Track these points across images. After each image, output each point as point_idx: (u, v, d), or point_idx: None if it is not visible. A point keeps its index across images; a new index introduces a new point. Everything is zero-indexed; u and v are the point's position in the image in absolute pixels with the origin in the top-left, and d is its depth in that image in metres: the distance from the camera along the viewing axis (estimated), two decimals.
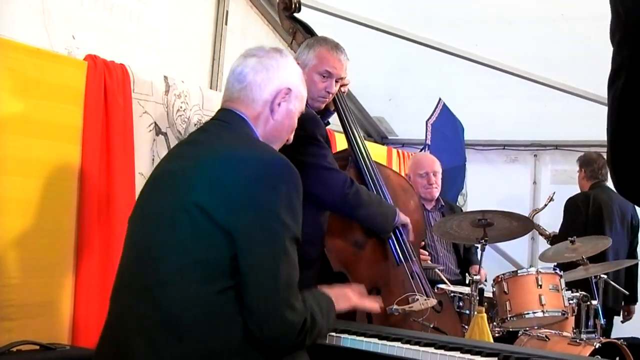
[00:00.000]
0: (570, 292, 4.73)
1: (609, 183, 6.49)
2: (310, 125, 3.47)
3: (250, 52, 2.47)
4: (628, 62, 1.50)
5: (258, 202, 2.12)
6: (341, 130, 4.02)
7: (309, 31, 4.04)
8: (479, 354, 2.59)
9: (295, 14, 4.09)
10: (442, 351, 2.64)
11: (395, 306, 3.60)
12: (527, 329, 4.69)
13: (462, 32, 6.53)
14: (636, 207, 6.33)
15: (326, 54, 3.75)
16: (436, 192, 5.66)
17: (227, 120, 2.40)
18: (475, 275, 4.31)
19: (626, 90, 1.49)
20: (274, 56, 2.46)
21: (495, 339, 4.41)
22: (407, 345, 2.72)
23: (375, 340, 2.79)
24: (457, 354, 2.61)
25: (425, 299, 3.73)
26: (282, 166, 2.21)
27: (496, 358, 2.56)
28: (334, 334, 2.84)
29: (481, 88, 7.10)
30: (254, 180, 2.13)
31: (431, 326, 3.62)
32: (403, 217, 3.79)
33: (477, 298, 3.94)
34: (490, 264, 6.41)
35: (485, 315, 3.58)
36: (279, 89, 2.43)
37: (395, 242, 3.82)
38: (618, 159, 1.53)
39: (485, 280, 5.30)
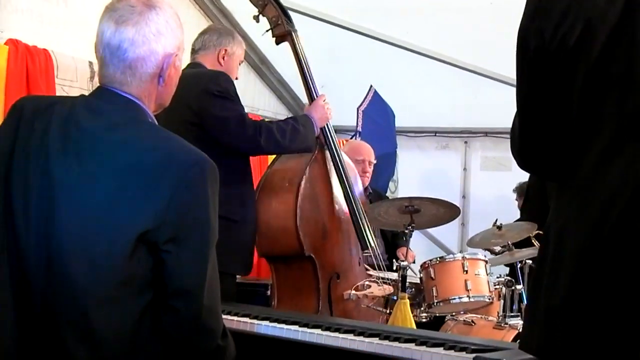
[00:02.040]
0: (495, 277, 4.82)
1: None
2: (226, 83, 3.69)
3: (120, 17, 2.09)
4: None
5: (188, 210, 2.01)
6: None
7: (280, 6, 4.04)
8: (397, 340, 2.63)
9: None
10: (361, 338, 2.67)
11: (352, 291, 3.65)
12: (454, 313, 4.76)
13: (394, 20, 6.57)
14: None
15: (242, 45, 4.06)
16: (367, 181, 5.74)
17: (120, 108, 2.13)
18: (403, 260, 4.36)
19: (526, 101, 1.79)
20: (150, 19, 2.12)
21: (423, 324, 4.48)
22: (327, 332, 2.75)
23: (296, 327, 2.81)
24: (376, 340, 2.65)
25: (380, 287, 3.80)
26: (207, 166, 2.07)
27: (414, 344, 2.59)
28: (255, 321, 2.85)
29: (412, 75, 7.15)
30: (182, 188, 2.00)
31: (387, 312, 3.68)
32: (319, 120, 3.98)
33: (400, 285, 3.98)
34: (421, 249, 6.48)
35: (407, 301, 3.64)
36: (165, 56, 2.16)
37: (362, 226, 3.97)
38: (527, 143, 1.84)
39: (414, 262, 5.36)
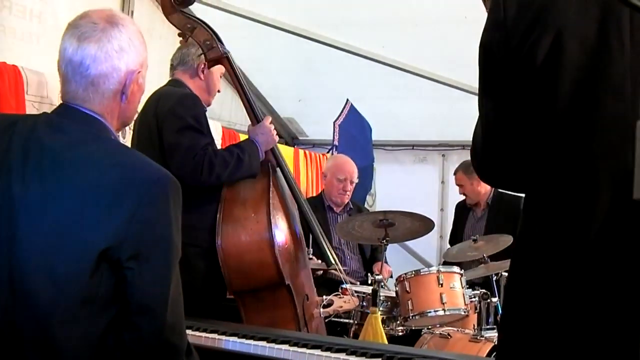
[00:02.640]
0: (471, 290, 4.82)
1: None
2: (193, 108, 3.61)
3: (82, 34, 2.10)
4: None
5: (150, 227, 2.00)
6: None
7: (211, 29, 3.79)
8: (364, 355, 2.62)
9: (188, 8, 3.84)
10: (328, 353, 2.67)
11: (322, 309, 3.63)
12: (430, 327, 4.75)
13: (370, 33, 6.60)
14: None
15: None
16: (347, 200, 5.79)
17: (82, 125, 2.11)
18: (378, 274, 4.35)
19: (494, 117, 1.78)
20: (112, 36, 2.11)
21: (399, 338, 4.47)
22: (295, 348, 2.74)
23: (264, 343, 2.81)
24: (343, 355, 2.64)
25: (345, 300, 3.80)
26: (169, 183, 2.07)
27: (380, 359, 2.59)
28: (223, 337, 2.84)
29: (389, 89, 7.18)
30: (144, 205, 1.99)
31: (355, 323, 3.66)
32: (264, 144, 3.79)
33: (371, 299, 3.98)
34: (400, 262, 6.48)
35: (379, 315, 3.63)
36: (128, 73, 2.15)
37: (327, 248, 3.94)
38: (488, 159, 1.82)
39: (391, 277, 5.37)
